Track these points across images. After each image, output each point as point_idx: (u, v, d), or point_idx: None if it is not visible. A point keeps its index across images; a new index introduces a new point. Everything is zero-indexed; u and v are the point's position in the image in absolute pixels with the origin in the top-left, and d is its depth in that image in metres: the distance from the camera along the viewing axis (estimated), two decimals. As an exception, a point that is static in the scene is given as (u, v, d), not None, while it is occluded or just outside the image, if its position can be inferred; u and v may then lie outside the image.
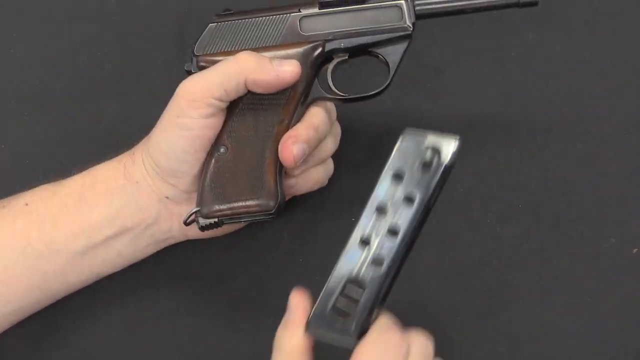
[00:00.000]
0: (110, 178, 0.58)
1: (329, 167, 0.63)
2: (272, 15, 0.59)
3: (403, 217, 0.52)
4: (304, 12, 0.59)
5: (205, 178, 0.57)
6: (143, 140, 0.59)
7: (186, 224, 0.58)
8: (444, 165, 0.52)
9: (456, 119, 0.68)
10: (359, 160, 0.67)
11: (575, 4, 0.70)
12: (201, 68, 0.58)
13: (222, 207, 0.57)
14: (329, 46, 0.59)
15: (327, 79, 0.60)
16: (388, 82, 0.59)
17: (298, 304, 0.53)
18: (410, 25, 0.59)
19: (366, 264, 0.52)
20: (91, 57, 0.69)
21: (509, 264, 0.65)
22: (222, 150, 0.58)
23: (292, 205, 0.64)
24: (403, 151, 0.52)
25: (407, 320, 0.62)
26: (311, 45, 0.58)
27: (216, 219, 0.57)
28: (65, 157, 0.67)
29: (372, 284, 0.52)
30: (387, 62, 0.59)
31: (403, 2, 0.59)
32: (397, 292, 0.65)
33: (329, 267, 0.64)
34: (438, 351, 0.64)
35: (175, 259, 0.65)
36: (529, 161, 0.67)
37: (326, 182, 0.63)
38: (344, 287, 0.52)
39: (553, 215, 0.66)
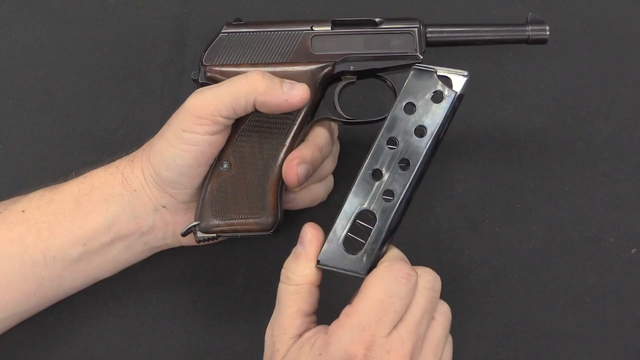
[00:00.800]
0: (106, 185, 0.57)
1: (329, 184, 0.63)
2: (284, 31, 0.58)
3: (414, 149, 0.52)
4: (317, 29, 0.58)
5: (206, 193, 0.57)
6: (143, 147, 0.59)
7: (183, 235, 0.58)
8: (456, 94, 0.52)
9: (455, 120, 0.68)
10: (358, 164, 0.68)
11: (575, 3, 0.70)
12: (209, 78, 0.58)
13: (221, 223, 0.57)
14: (339, 68, 0.58)
15: (333, 100, 0.59)
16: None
17: (312, 236, 0.54)
18: (421, 55, 0.58)
19: (377, 196, 0.53)
20: (91, 57, 0.69)
21: (508, 264, 0.65)
22: (225, 165, 0.57)
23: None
24: (414, 84, 0.53)
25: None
26: (321, 65, 0.58)
27: (214, 235, 0.57)
28: (64, 157, 0.67)
29: (383, 217, 0.52)
30: (394, 88, 0.59)
31: (415, 29, 0.58)
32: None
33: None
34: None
35: (173, 259, 0.65)
36: (529, 161, 0.67)
37: (325, 197, 0.63)
38: (355, 219, 0.53)
39: (553, 215, 0.66)
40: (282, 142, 0.58)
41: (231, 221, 0.57)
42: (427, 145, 0.52)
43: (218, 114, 0.54)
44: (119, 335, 0.64)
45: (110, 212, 0.57)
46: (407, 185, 0.52)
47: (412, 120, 0.53)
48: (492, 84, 0.69)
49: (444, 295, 0.65)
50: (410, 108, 0.53)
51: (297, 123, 0.58)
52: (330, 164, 0.61)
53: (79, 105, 0.68)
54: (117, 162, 0.59)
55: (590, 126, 0.68)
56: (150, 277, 0.65)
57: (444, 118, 0.53)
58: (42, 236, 0.56)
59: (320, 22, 0.59)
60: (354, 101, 0.67)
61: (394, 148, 0.53)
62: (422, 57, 0.58)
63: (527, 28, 0.60)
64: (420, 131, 0.53)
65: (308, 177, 0.57)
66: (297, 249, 0.54)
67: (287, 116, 0.57)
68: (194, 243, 0.60)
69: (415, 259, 0.65)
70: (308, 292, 0.53)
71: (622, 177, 0.67)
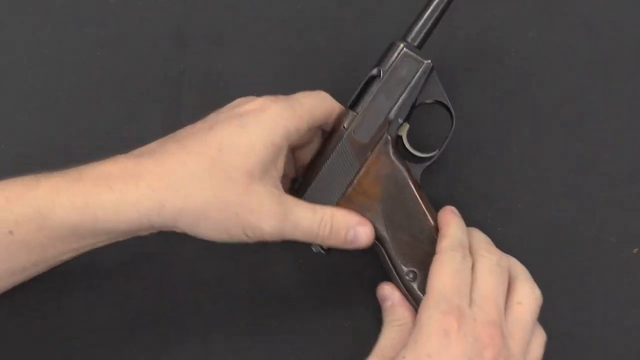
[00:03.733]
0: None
1: None
2: (332, 153, 0.58)
3: None
4: (347, 125, 0.59)
5: None
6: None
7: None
8: None
9: (455, 119, 0.68)
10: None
11: (575, 4, 0.70)
12: None
13: None
14: (392, 130, 0.59)
15: (404, 146, 0.61)
16: (452, 114, 0.62)
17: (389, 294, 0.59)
18: (425, 60, 0.59)
19: None
20: (91, 57, 0.69)
21: (509, 263, 0.65)
22: None
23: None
24: None
25: (407, 320, 0.62)
26: (380, 141, 0.59)
27: None
28: (65, 157, 0.67)
29: None
30: (438, 102, 0.61)
31: (404, 48, 0.59)
32: (397, 292, 0.65)
33: (327, 267, 0.63)
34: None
35: (175, 259, 0.65)
36: (529, 161, 0.67)
37: None
38: None
39: (553, 215, 0.66)
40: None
41: None
42: None
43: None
44: (118, 335, 0.64)
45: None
46: None
47: None
48: (493, 83, 0.69)
49: (444, 295, 0.65)
50: None
51: None
52: None
53: (79, 105, 0.68)
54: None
55: (590, 126, 0.68)
56: (151, 277, 0.65)
57: None
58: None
59: (342, 116, 0.59)
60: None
61: None
62: (429, 60, 0.60)
63: None
64: None
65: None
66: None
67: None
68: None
69: (415, 259, 0.65)
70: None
71: (622, 177, 0.67)
